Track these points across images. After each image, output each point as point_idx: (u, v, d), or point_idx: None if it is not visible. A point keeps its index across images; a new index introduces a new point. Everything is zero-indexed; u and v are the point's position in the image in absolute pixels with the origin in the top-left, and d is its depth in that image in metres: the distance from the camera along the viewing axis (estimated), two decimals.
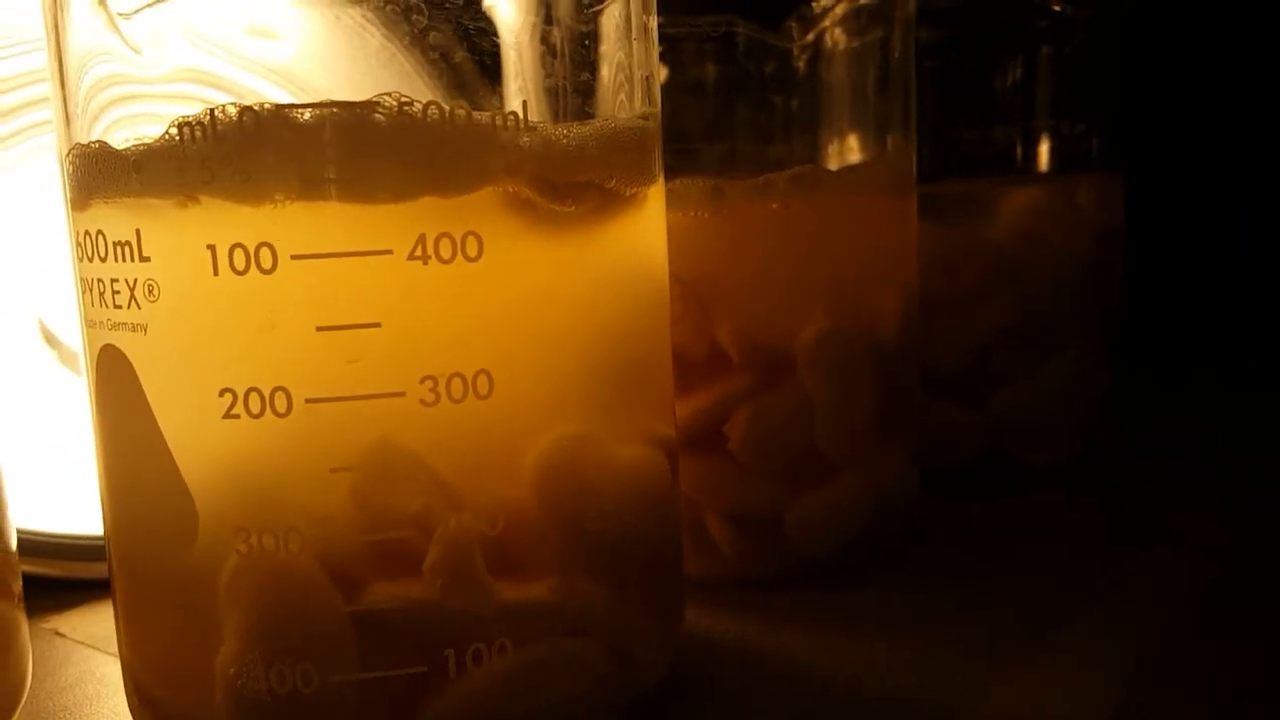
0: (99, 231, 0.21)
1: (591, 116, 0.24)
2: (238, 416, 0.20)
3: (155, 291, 0.20)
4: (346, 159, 0.20)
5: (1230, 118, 0.58)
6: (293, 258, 0.20)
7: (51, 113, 0.23)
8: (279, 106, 0.20)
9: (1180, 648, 0.28)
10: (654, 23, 0.25)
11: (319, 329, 0.20)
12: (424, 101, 0.20)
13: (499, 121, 0.21)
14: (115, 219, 0.21)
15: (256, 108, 0.20)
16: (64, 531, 0.35)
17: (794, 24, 0.33)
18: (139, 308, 0.21)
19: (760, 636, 0.29)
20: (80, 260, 0.22)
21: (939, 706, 0.25)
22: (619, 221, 0.23)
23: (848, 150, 0.35)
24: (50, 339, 0.36)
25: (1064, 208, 0.42)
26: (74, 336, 0.36)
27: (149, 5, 0.21)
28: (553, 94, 0.23)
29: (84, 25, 0.22)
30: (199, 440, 0.21)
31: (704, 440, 0.31)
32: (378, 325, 0.20)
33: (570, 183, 0.22)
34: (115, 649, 0.25)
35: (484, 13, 0.22)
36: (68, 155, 0.23)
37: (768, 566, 0.32)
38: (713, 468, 0.31)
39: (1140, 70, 0.46)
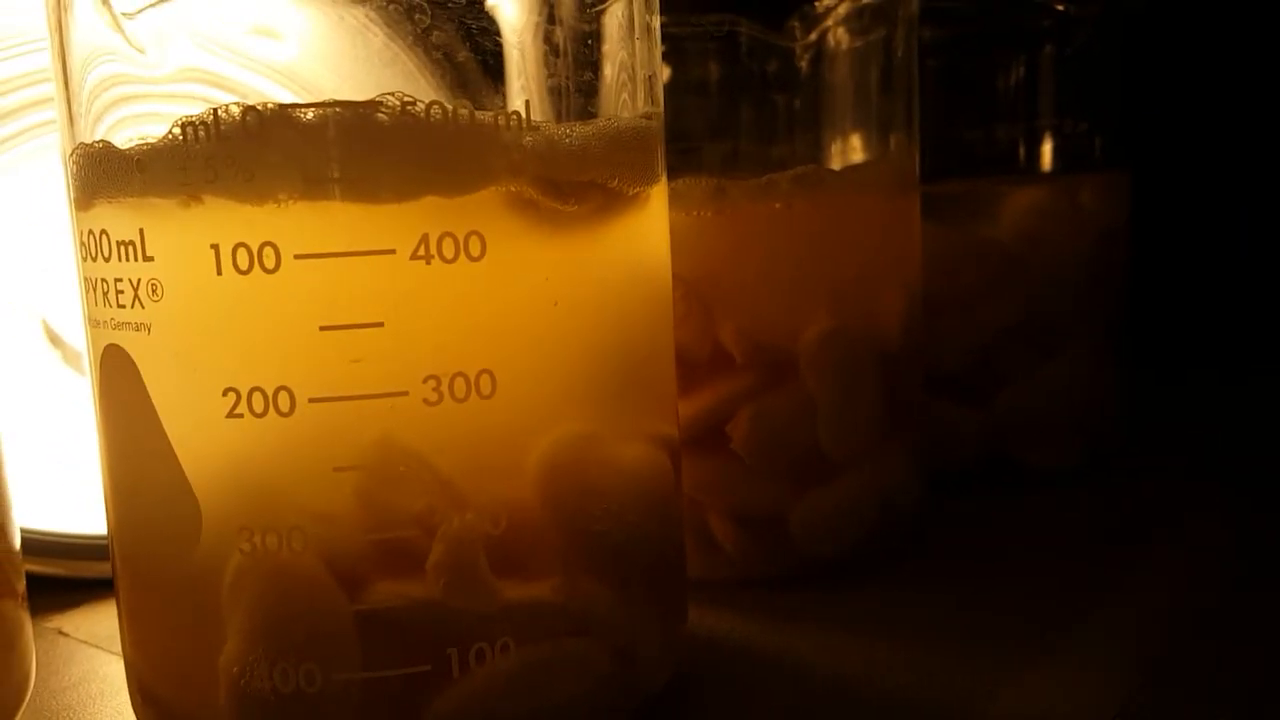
0: (102, 231, 0.21)
1: (594, 116, 0.24)
2: (241, 416, 0.20)
3: (159, 291, 0.20)
4: (350, 159, 0.20)
5: (1232, 118, 0.58)
6: (296, 257, 0.20)
7: (54, 113, 0.23)
8: (282, 106, 0.20)
9: (1183, 647, 0.28)
10: (657, 22, 0.25)
11: (322, 328, 0.20)
12: (427, 101, 0.20)
13: (502, 121, 0.21)
14: (119, 219, 0.21)
15: (260, 107, 0.20)
16: (67, 531, 0.35)
17: (797, 23, 0.33)
18: (142, 307, 0.21)
19: (763, 636, 0.29)
20: (84, 260, 0.23)
21: (942, 706, 0.25)
22: (622, 221, 0.23)
23: (850, 150, 0.35)
24: (54, 339, 0.36)
25: (1067, 207, 0.42)
26: (77, 336, 0.36)
27: (152, 5, 0.21)
28: (555, 93, 0.24)
29: (87, 25, 0.22)
30: (202, 439, 0.21)
31: (707, 440, 0.31)
32: (381, 325, 0.20)
33: (573, 182, 0.22)
34: (119, 648, 0.25)
35: (487, 12, 0.22)
36: (71, 155, 0.23)
37: (771, 566, 0.33)
38: (716, 468, 0.31)
39: (1143, 70, 0.46)
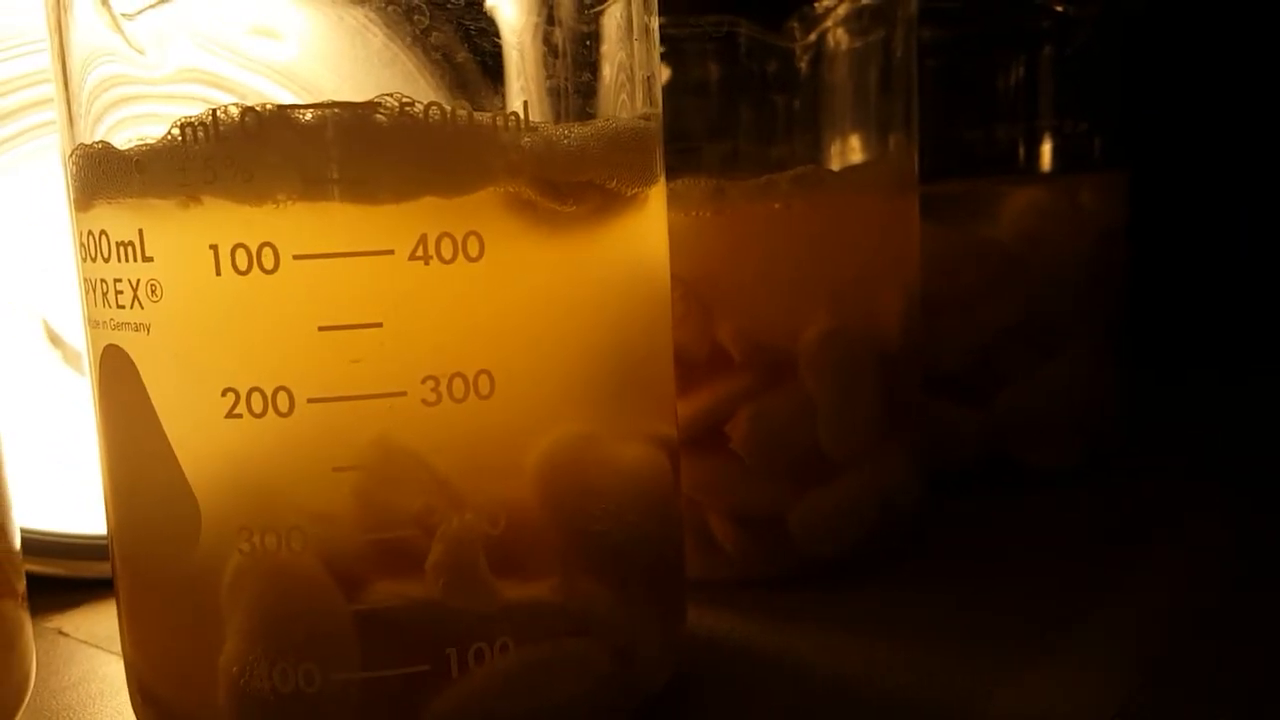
0: (102, 232, 0.21)
1: (593, 117, 0.24)
2: (240, 416, 0.20)
3: (158, 291, 0.21)
4: (348, 159, 0.20)
5: (1231, 118, 0.58)
6: (295, 258, 0.20)
7: (54, 114, 0.23)
8: (281, 107, 0.20)
9: (1183, 647, 0.28)
10: (655, 23, 0.25)
11: (321, 329, 0.20)
12: (425, 102, 0.20)
13: (500, 122, 0.21)
14: (118, 219, 0.21)
15: (259, 108, 0.20)
16: (67, 531, 0.35)
17: (796, 24, 0.33)
18: (142, 308, 0.21)
19: (763, 636, 0.29)
20: (83, 260, 0.23)
21: (942, 706, 0.25)
22: (620, 222, 0.23)
23: (850, 150, 0.35)
24: (54, 339, 0.36)
25: (1066, 207, 0.42)
26: (77, 337, 0.36)
27: (152, 6, 0.21)
28: (554, 94, 0.24)
29: (87, 25, 0.22)
30: (202, 440, 0.21)
31: (706, 440, 0.31)
32: (379, 325, 0.20)
33: (571, 183, 0.22)
34: (118, 648, 0.25)
35: (486, 13, 0.22)
36: (71, 156, 0.23)
37: (770, 566, 0.33)
38: (715, 468, 0.31)
39: (1142, 70, 0.46)
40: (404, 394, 0.20)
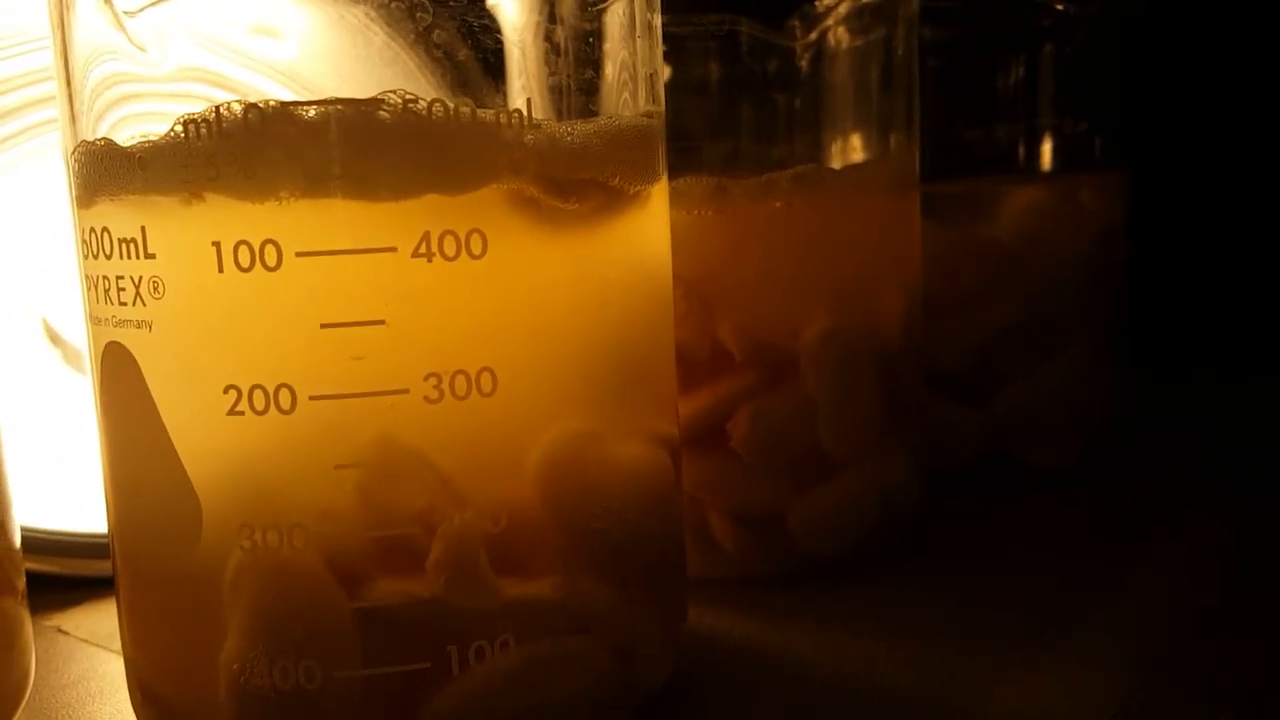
0: (104, 229, 0.21)
1: (595, 114, 0.24)
2: (242, 413, 0.20)
3: (160, 288, 0.21)
4: (351, 156, 0.20)
5: (1232, 117, 0.58)
6: (297, 255, 0.20)
7: (55, 112, 0.23)
8: (284, 104, 0.20)
9: (1183, 646, 0.28)
10: (658, 20, 0.25)
11: (323, 326, 0.20)
12: (428, 99, 0.20)
13: (503, 119, 0.21)
14: (120, 216, 0.21)
15: (261, 105, 0.20)
16: (67, 529, 0.35)
17: (797, 23, 0.33)
18: (144, 305, 0.21)
19: (763, 635, 0.29)
20: (85, 257, 0.23)
21: (942, 705, 0.25)
22: (623, 219, 0.23)
23: (850, 149, 0.35)
24: (54, 338, 0.36)
25: (1066, 207, 0.42)
26: (78, 335, 0.36)
27: (153, 4, 0.21)
28: (556, 92, 0.24)
29: (89, 23, 0.22)
30: (203, 437, 0.21)
31: (707, 439, 0.31)
32: (382, 323, 0.20)
33: (574, 180, 0.22)
34: (118, 646, 0.25)
35: (488, 11, 0.22)
36: (73, 153, 0.23)
37: (771, 565, 0.33)
38: (716, 466, 0.31)
39: (1142, 69, 0.46)
40: (406, 391, 0.20)
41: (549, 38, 0.23)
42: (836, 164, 0.35)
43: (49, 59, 0.34)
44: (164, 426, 0.21)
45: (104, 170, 0.21)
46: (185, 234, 0.20)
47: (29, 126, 0.35)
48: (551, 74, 0.23)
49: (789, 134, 0.35)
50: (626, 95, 0.24)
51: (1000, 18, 0.42)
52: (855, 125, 0.35)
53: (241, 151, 0.20)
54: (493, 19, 0.22)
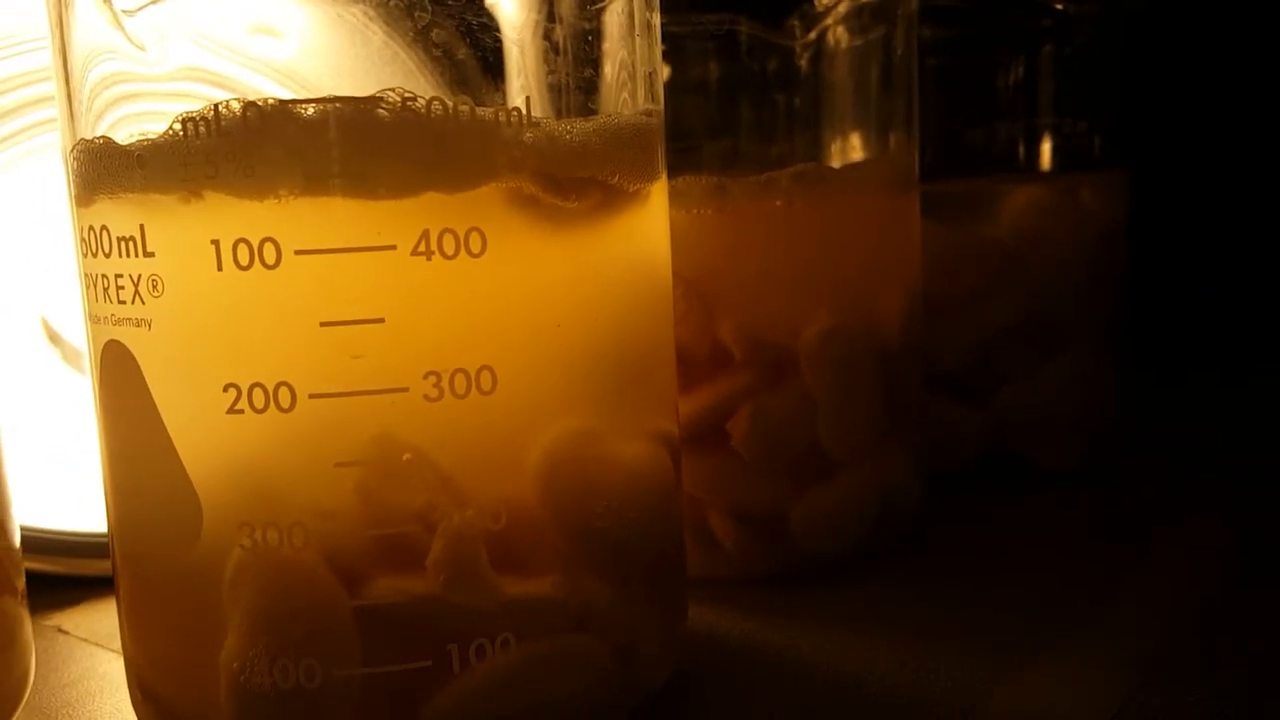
0: (103, 227, 0.21)
1: (594, 113, 0.24)
2: (241, 412, 0.20)
3: (159, 287, 0.20)
4: (350, 154, 0.20)
5: (1232, 117, 0.58)
6: (296, 253, 0.20)
7: (53, 111, 0.23)
8: (283, 102, 0.20)
9: (1183, 645, 0.28)
10: (657, 19, 0.25)
11: (323, 324, 0.20)
12: (427, 97, 0.20)
13: (502, 117, 0.21)
14: (119, 214, 0.21)
15: (260, 103, 0.20)
16: (67, 529, 0.35)
17: (796, 22, 0.33)
18: (143, 303, 0.21)
19: (763, 634, 0.29)
20: (84, 256, 0.23)
21: (942, 704, 0.25)
22: (622, 218, 0.23)
23: (850, 149, 0.35)
24: (54, 337, 0.36)
25: (1067, 206, 0.42)
26: (77, 335, 0.36)
27: (152, 2, 0.21)
28: (555, 90, 0.24)
29: (88, 22, 0.22)
30: (203, 435, 0.21)
31: (707, 438, 0.31)
32: (381, 321, 0.20)
33: (573, 179, 0.22)
34: (118, 646, 0.25)
35: (486, 9, 0.22)
36: (72, 151, 0.23)
37: (771, 564, 0.33)
38: (716, 465, 0.31)
39: (1142, 69, 0.46)
40: (406, 390, 0.20)
41: (548, 36, 0.23)
42: (836, 163, 0.35)
43: (47, 59, 0.34)
44: (163, 425, 0.21)
45: (103, 168, 0.21)
46: (184, 232, 0.20)
47: (28, 126, 0.35)
48: (550, 72, 0.23)
49: (788, 133, 0.35)
50: (626, 94, 0.24)
51: (1000, 17, 0.42)
52: (855, 125, 0.35)
53: (240, 149, 0.20)
54: (491, 17, 0.22)
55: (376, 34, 0.27)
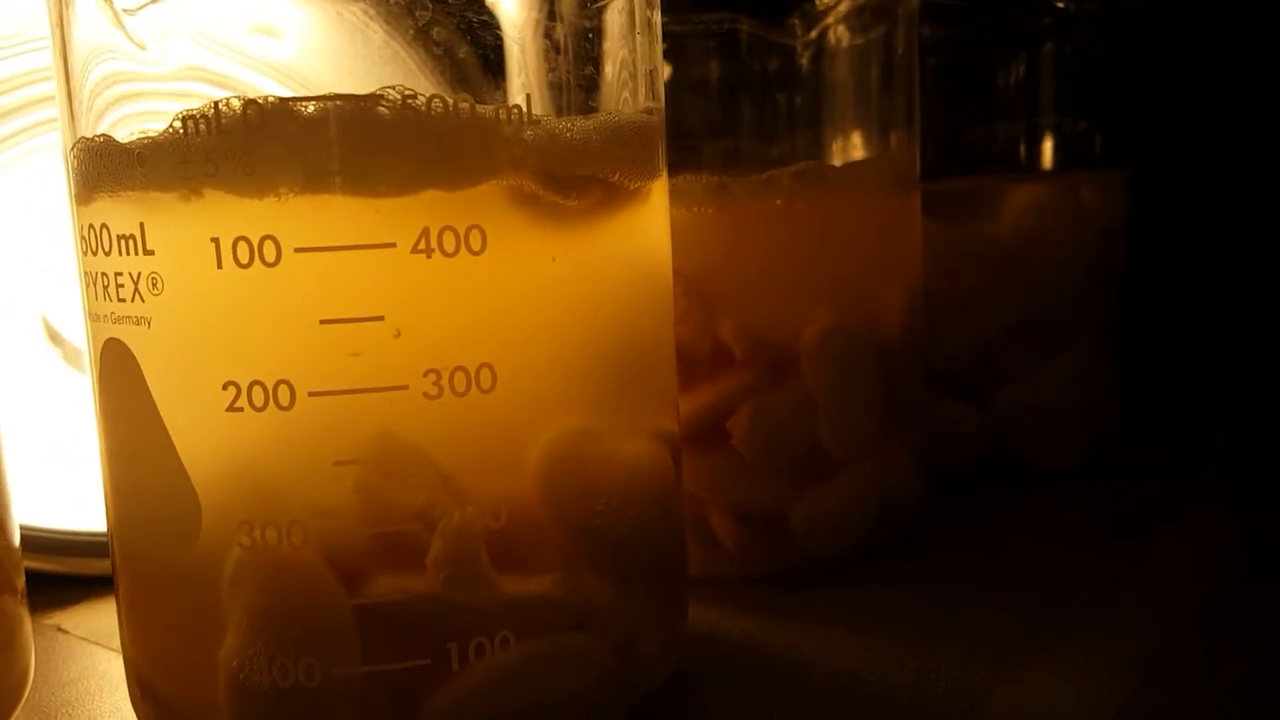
0: (103, 225, 0.21)
1: (595, 111, 0.24)
2: (241, 410, 0.20)
3: (159, 285, 0.20)
4: (350, 152, 0.20)
5: (1232, 115, 0.58)
6: (296, 251, 0.20)
7: (52, 111, 0.23)
8: (283, 100, 0.20)
9: (1185, 644, 0.28)
10: (658, 17, 0.25)
11: (322, 322, 0.20)
12: (428, 95, 0.20)
13: (502, 115, 0.21)
14: (119, 212, 0.21)
15: (260, 100, 0.20)
16: (67, 528, 0.35)
17: (797, 21, 0.33)
18: (143, 301, 0.21)
19: (764, 633, 0.29)
20: (84, 254, 0.23)
21: (943, 704, 0.25)
22: (622, 216, 0.23)
23: (851, 148, 0.35)
24: (54, 337, 0.36)
25: (1067, 205, 0.42)
26: (78, 334, 0.36)
27: (152, 1, 0.21)
28: (556, 89, 0.23)
29: (88, 21, 0.22)
30: (202, 434, 0.21)
31: (708, 437, 0.31)
32: (381, 318, 0.20)
33: (574, 176, 0.22)
34: (117, 645, 0.25)
35: (487, 8, 0.22)
36: (72, 149, 0.23)
37: (772, 563, 0.32)
38: (716, 464, 0.31)
39: (1143, 67, 0.46)
40: (405, 388, 0.20)
41: (549, 35, 0.23)
42: (837, 162, 0.35)
43: (48, 59, 0.34)
44: (163, 423, 0.21)
45: (103, 167, 0.21)
46: (184, 230, 0.20)
47: (29, 126, 0.35)
48: (551, 71, 0.23)
49: (789, 132, 0.35)
50: (627, 92, 0.24)
51: (1001, 16, 0.42)
52: (856, 123, 0.35)
53: (240, 147, 0.20)
54: (492, 16, 0.22)
55: (377, 33, 0.27)
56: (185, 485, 0.21)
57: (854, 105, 0.35)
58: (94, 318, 0.23)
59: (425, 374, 0.20)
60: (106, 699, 0.27)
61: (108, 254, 0.21)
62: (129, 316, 0.21)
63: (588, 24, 0.24)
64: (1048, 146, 0.43)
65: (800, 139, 0.35)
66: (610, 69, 0.24)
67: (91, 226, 0.22)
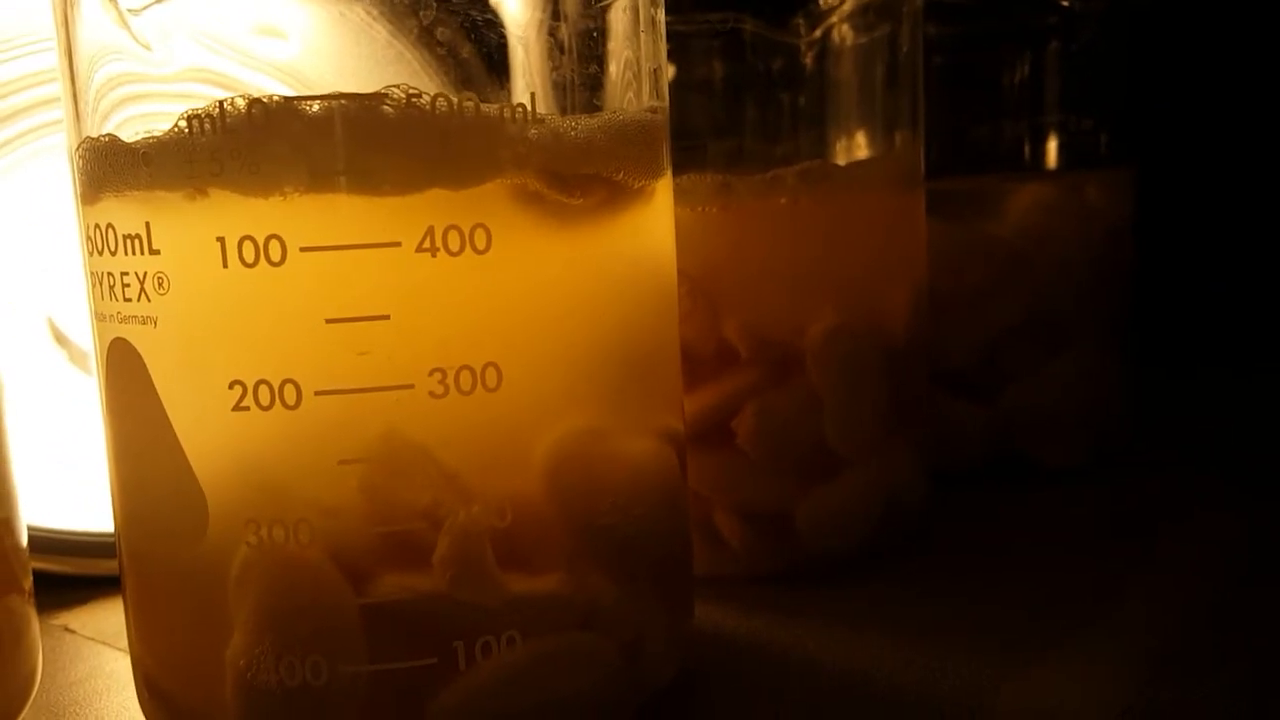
0: (109, 225, 0.21)
1: (599, 110, 0.24)
2: (247, 409, 0.20)
3: (165, 284, 0.21)
4: (355, 151, 0.20)
5: (1239, 113, 0.58)
6: (301, 250, 0.20)
7: (57, 114, 0.23)
8: (287, 99, 0.20)
9: (1192, 642, 0.28)
10: (661, 16, 0.25)
11: (328, 321, 0.20)
12: (432, 94, 0.20)
13: (507, 114, 0.21)
14: (125, 212, 0.21)
15: (265, 100, 0.20)
16: (74, 528, 0.35)
17: (801, 20, 0.33)
18: (149, 300, 0.21)
19: (769, 632, 0.29)
20: (90, 254, 0.23)
21: (948, 702, 0.25)
22: (627, 214, 0.23)
23: (855, 147, 0.35)
24: (60, 338, 0.36)
25: (1073, 204, 0.42)
26: (83, 336, 0.36)
27: (157, 1, 0.21)
28: (560, 88, 0.23)
29: (93, 21, 0.22)
30: (209, 433, 0.21)
31: (713, 436, 0.31)
32: (386, 317, 0.20)
33: (578, 175, 0.22)
34: (125, 645, 0.25)
35: (491, 7, 0.22)
36: (77, 149, 0.23)
37: (777, 562, 0.32)
38: (722, 463, 0.31)
39: (1149, 66, 0.46)
40: (411, 387, 0.20)
41: (553, 34, 0.23)
42: (841, 161, 0.35)
43: (51, 61, 0.34)
44: (169, 422, 0.21)
45: (108, 166, 0.21)
46: (189, 229, 0.20)
47: (34, 128, 0.35)
48: (555, 70, 0.23)
49: (793, 132, 0.35)
50: (631, 92, 0.24)
51: (1006, 14, 0.42)
52: (860, 123, 0.35)
53: (245, 146, 0.20)
54: (496, 15, 0.22)
55: (381, 33, 0.27)
56: (192, 484, 0.21)
57: (858, 104, 0.35)
58: (100, 317, 0.23)
59: (431, 373, 0.20)
60: (114, 698, 0.27)
61: (113, 254, 0.21)
62: (135, 316, 0.21)
63: (592, 23, 0.24)
64: (1053, 145, 0.43)
65: (804, 138, 0.35)
66: (614, 68, 0.24)
67: (97, 226, 0.22)
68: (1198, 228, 0.58)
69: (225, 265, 0.20)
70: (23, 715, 0.25)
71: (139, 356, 0.21)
